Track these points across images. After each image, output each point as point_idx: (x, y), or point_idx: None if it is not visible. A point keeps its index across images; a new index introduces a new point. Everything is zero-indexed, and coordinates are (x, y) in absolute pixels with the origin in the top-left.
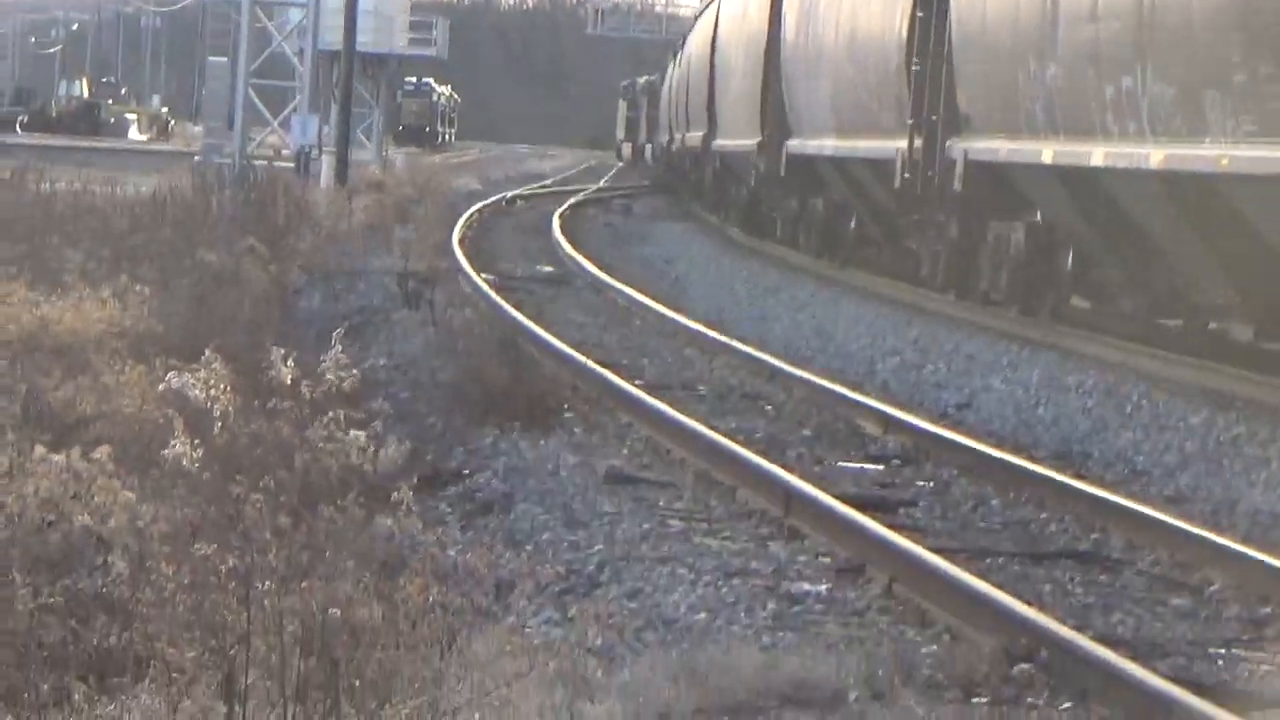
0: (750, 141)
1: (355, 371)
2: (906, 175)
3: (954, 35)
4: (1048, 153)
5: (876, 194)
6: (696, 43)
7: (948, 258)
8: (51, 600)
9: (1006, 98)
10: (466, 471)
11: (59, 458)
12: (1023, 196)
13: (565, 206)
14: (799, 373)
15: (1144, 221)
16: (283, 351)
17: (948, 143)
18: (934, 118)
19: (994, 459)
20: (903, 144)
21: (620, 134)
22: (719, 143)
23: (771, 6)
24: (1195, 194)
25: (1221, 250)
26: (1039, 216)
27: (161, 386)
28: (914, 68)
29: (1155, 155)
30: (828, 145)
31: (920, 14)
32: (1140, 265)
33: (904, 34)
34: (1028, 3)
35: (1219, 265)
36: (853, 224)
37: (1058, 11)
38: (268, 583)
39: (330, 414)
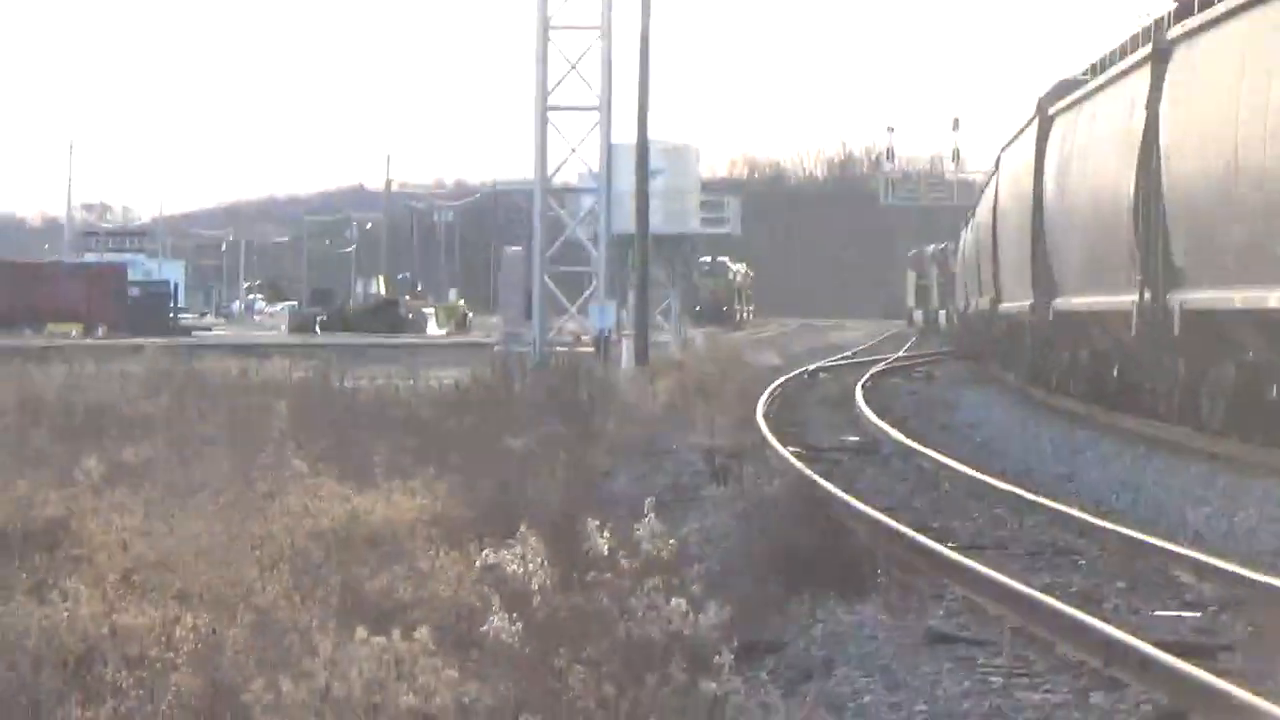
0: (1025, 303)
1: (673, 541)
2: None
3: (1166, 198)
4: (1238, 299)
5: (1127, 341)
6: (983, 211)
7: (1179, 396)
8: None
9: (1207, 253)
10: (784, 639)
11: (380, 640)
12: (1231, 339)
13: (866, 377)
14: (1109, 525)
15: None
16: (598, 523)
17: (1168, 295)
18: (1156, 273)
19: None
20: (1135, 297)
21: (910, 301)
22: (1004, 306)
23: (1035, 171)
24: None
25: None
26: (1250, 355)
27: (478, 562)
28: (1138, 231)
29: None
30: (1083, 301)
31: (1142, 183)
32: None
33: (1132, 198)
34: (1214, 166)
35: None
36: (1115, 371)
37: (1238, 175)
38: None
39: (651, 581)
